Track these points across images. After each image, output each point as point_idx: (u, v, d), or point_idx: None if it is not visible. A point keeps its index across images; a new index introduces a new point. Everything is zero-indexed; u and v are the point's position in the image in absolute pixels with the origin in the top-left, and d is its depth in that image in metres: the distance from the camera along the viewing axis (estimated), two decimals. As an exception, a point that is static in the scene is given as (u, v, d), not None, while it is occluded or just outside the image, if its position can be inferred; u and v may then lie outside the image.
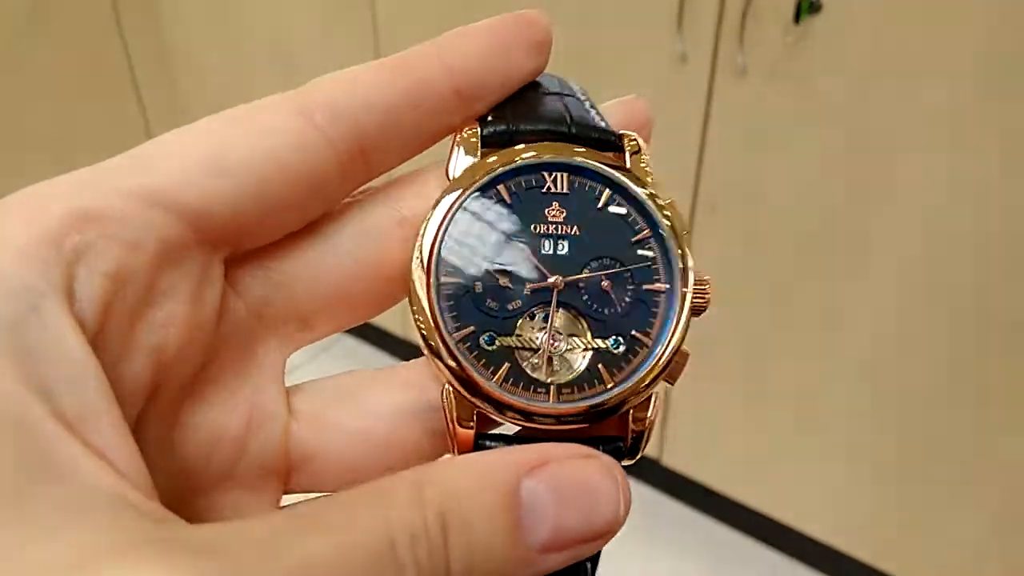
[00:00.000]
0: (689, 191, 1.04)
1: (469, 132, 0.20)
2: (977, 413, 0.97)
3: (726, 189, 1.02)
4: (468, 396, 0.19)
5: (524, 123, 0.20)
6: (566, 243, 0.20)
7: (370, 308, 0.21)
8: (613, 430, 0.20)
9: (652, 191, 0.20)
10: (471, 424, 0.19)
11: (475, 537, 0.15)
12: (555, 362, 0.20)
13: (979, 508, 1.03)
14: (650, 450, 1.25)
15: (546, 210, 0.20)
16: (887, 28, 0.85)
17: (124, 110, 1.53)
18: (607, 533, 0.17)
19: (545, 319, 0.20)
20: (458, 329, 0.19)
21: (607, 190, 0.20)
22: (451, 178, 0.20)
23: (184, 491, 0.19)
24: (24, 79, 1.36)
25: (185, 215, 0.17)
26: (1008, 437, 0.96)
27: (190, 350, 0.18)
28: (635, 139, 0.21)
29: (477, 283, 0.20)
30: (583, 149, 0.20)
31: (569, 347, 0.20)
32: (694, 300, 0.20)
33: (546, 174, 0.20)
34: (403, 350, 1.57)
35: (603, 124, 0.21)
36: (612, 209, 0.20)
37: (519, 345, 0.20)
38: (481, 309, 0.20)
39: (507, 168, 0.20)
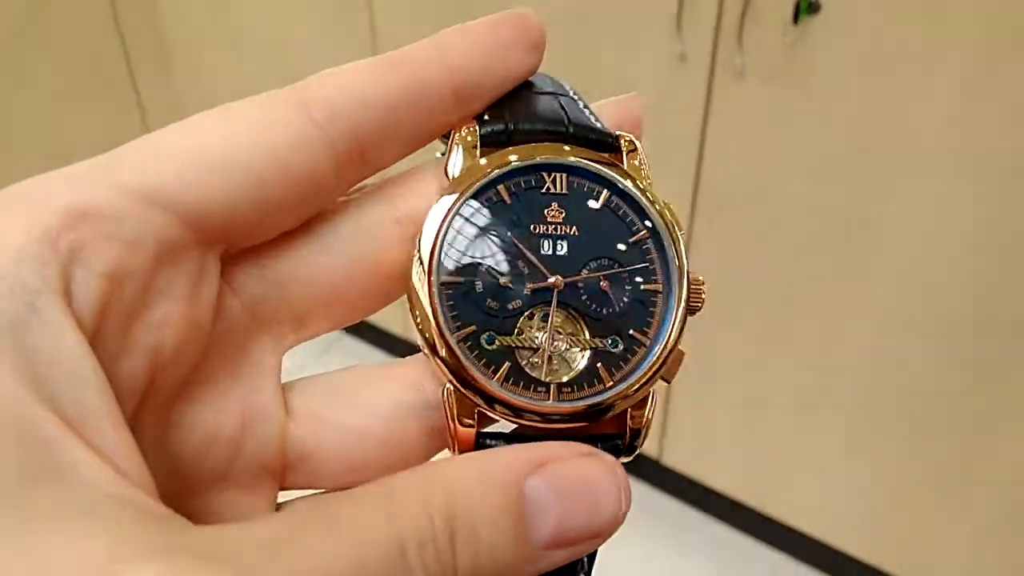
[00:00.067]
0: (688, 191, 1.04)
1: (468, 131, 0.20)
2: (977, 413, 0.97)
3: (725, 189, 1.02)
4: (469, 395, 0.19)
5: (522, 123, 0.20)
6: (565, 243, 0.20)
7: (366, 307, 0.21)
8: (611, 428, 0.20)
9: (649, 192, 0.21)
10: (472, 423, 0.19)
11: (481, 538, 0.16)
12: (555, 361, 0.20)
13: (979, 508, 1.03)
14: (649, 450, 1.25)
15: (545, 210, 0.20)
16: (886, 28, 0.85)
17: (123, 110, 1.53)
18: (608, 530, 0.17)
19: (544, 319, 0.20)
20: (459, 328, 0.19)
21: (605, 191, 0.21)
22: (450, 177, 0.20)
23: (179, 492, 0.18)
24: (23, 79, 1.36)
25: (184, 215, 0.17)
26: (1008, 437, 0.97)
27: (186, 349, 0.18)
28: (631, 139, 0.21)
29: (478, 283, 0.20)
30: (581, 149, 0.21)
31: (568, 346, 0.20)
32: (690, 300, 0.20)
33: (545, 175, 0.20)
34: (404, 350, 1.56)
35: (599, 125, 0.21)
36: (610, 210, 0.21)
37: (519, 344, 0.20)
38: (482, 308, 0.19)
39: (507, 169, 0.20)
